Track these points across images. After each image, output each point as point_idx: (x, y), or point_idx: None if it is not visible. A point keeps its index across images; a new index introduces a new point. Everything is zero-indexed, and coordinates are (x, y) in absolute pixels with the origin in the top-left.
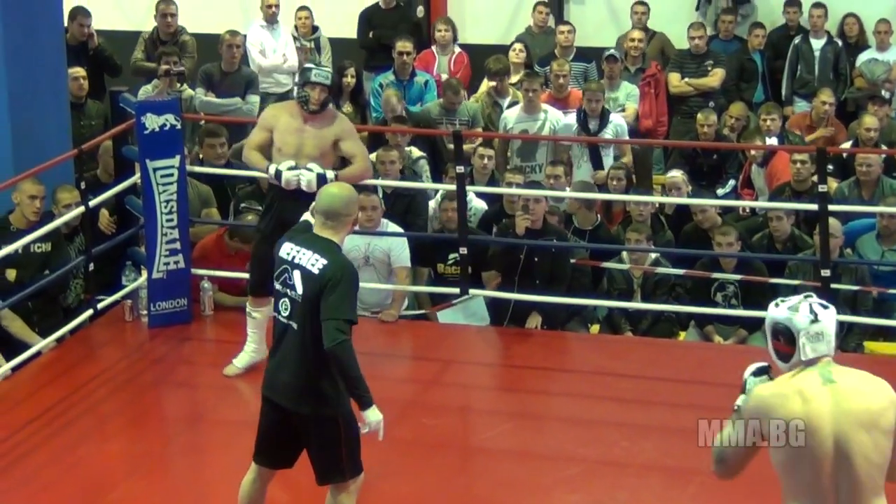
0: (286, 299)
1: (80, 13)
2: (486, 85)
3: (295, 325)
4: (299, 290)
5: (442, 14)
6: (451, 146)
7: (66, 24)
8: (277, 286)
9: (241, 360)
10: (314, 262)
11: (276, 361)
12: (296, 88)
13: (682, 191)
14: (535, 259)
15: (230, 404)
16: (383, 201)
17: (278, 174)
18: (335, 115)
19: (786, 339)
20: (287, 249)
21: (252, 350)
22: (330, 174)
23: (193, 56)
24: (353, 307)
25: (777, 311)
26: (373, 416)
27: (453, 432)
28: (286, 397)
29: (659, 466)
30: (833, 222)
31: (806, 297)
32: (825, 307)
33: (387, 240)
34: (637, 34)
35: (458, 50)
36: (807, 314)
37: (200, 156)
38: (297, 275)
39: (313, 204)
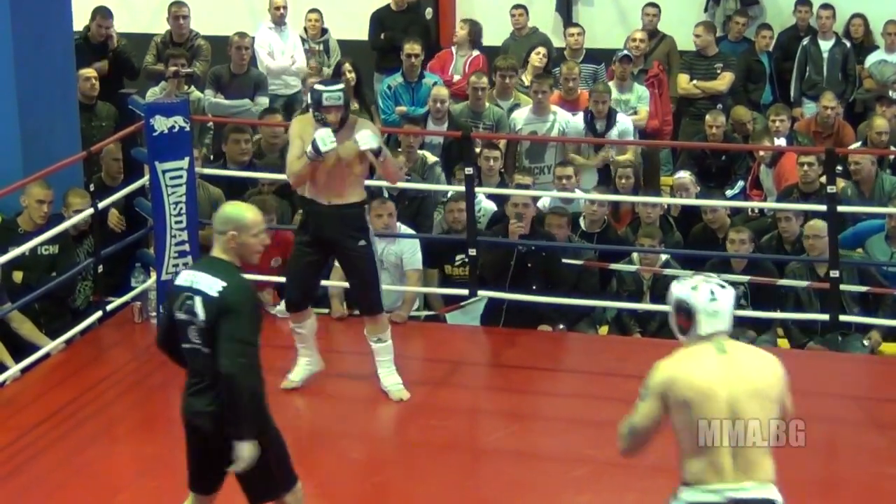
0: (193, 326)
1: (99, 13)
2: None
3: (206, 350)
4: (201, 315)
5: (449, 16)
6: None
7: (87, 23)
8: (181, 315)
9: (297, 374)
10: (213, 284)
11: (192, 387)
12: (311, 109)
13: (690, 191)
14: (529, 265)
15: None
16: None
17: (314, 143)
18: (356, 122)
19: (686, 314)
20: (186, 276)
21: (305, 363)
22: (380, 147)
23: (207, 60)
24: (252, 329)
25: (680, 289)
26: (247, 451)
27: (462, 433)
28: (206, 422)
29: (667, 468)
30: (819, 223)
31: (707, 278)
32: (723, 287)
33: (399, 243)
34: (639, 34)
35: (475, 52)
36: (706, 293)
37: (212, 156)
38: (198, 301)
39: None
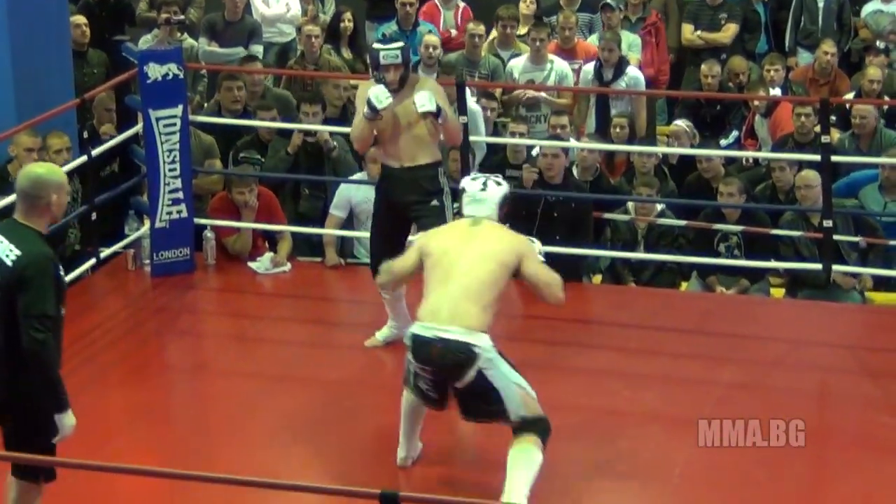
0: None
1: None
2: (490, 36)
3: None
4: None
5: None
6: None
7: None
8: None
9: (382, 334)
10: (8, 252)
11: None
12: (371, 69)
13: (685, 140)
14: (555, 214)
15: (233, 354)
16: None
17: (369, 101)
18: (417, 81)
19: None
20: None
21: (392, 325)
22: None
23: (201, 7)
24: (52, 300)
25: (465, 179)
26: (67, 420)
27: None
28: None
29: (660, 416)
30: (810, 173)
31: (491, 175)
32: (499, 184)
33: None
34: None
35: (461, 4)
36: (479, 184)
37: (205, 103)
38: None
39: None
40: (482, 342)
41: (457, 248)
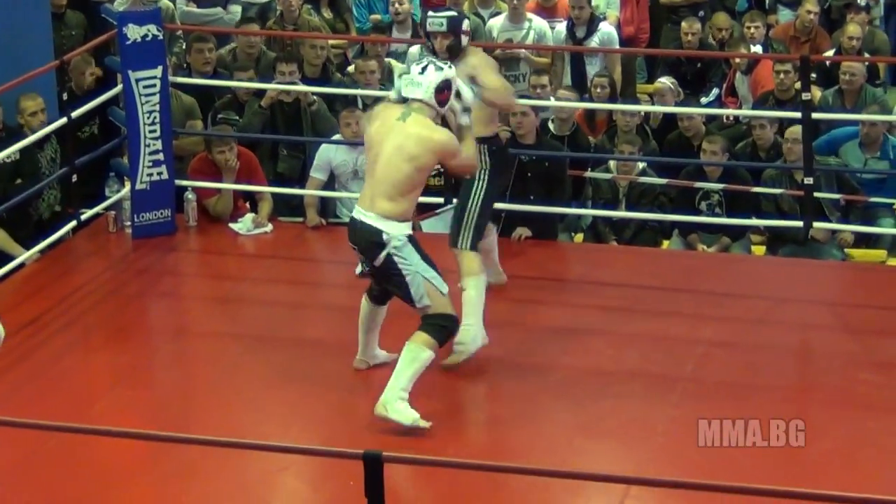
0: None
1: None
2: None
3: None
4: None
5: None
6: None
7: None
8: None
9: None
10: None
11: None
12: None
13: (668, 99)
14: (528, 174)
15: (215, 315)
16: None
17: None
18: (468, 52)
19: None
20: None
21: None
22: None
23: None
24: None
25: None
26: None
27: None
28: None
29: (643, 374)
30: (798, 127)
31: (436, 61)
32: (439, 69)
33: None
34: None
35: None
36: (420, 66)
37: (185, 64)
38: None
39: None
40: (392, 229)
41: (380, 142)
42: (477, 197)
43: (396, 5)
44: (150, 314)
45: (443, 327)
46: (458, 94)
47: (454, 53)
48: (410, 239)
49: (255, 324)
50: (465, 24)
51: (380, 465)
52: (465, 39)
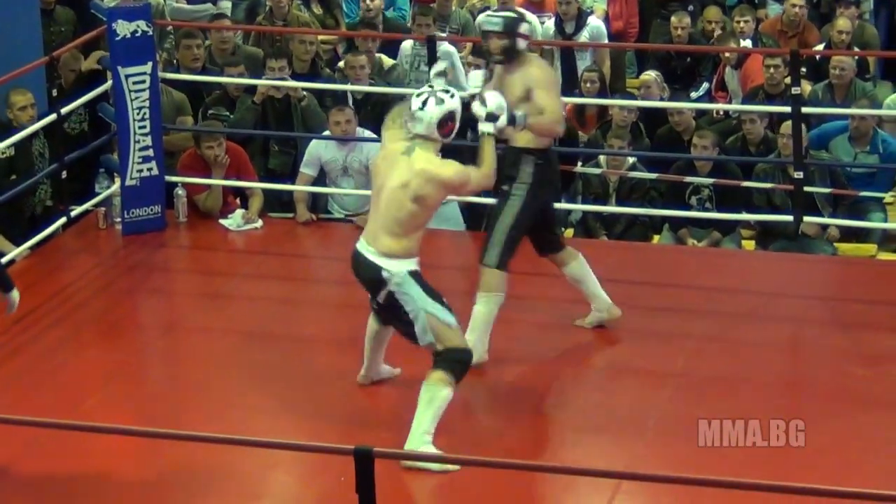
0: None
1: None
2: None
3: None
4: None
5: None
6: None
7: None
8: None
9: (587, 321)
10: None
11: None
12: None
13: (654, 91)
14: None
15: (205, 311)
16: (353, 108)
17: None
18: (526, 62)
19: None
20: None
21: (593, 308)
22: (518, 113)
23: None
24: None
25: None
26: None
27: None
28: None
29: (634, 369)
30: (790, 123)
31: (435, 90)
32: (439, 102)
33: (364, 150)
34: None
35: None
36: (420, 101)
37: (174, 60)
38: None
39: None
40: (392, 267)
41: (385, 174)
42: (511, 211)
43: (367, 2)
44: (141, 310)
45: (457, 361)
46: (483, 101)
47: (509, 56)
48: (413, 274)
49: (245, 320)
50: (524, 27)
51: (371, 461)
52: (521, 43)
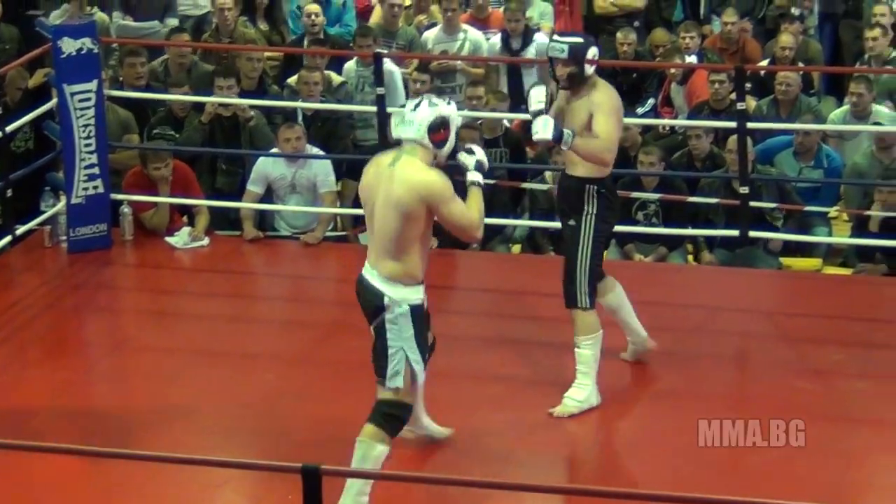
0: None
1: None
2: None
3: None
4: None
5: None
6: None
7: None
8: None
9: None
10: None
11: None
12: None
13: None
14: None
15: (152, 329)
16: (303, 124)
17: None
18: (593, 86)
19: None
20: None
21: (630, 342)
22: (566, 131)
23: None
24: None
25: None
26: None
27: None
28: None
29: None
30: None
31: (432, 97)
32: (433, 105)
33: (312, 167)
34: None
35: None
36: (413, 104)
37: (120, 77)
38: None
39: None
40: (396, 294)
41: (373, 195)
42: (585, 248)
43: (313, 17)
44: (87, 329)
45: (394, 417)
46: (471, 150)
47: (576, 83)
48: (414, 311)
49: (192, 337)
50: (591, 53)
51: (318, 479)
52: (588, 69)
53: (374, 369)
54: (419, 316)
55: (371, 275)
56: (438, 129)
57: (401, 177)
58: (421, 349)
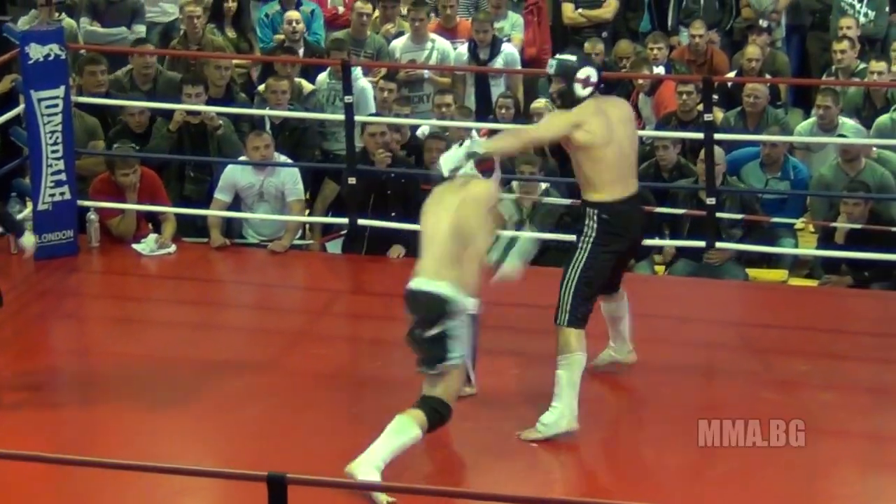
0: None
1: None
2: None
3: None
4: None
5: None
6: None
7: None
8: None
9: (601, 358)
10: None
11: None
12: None
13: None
14: (389, 192)
15: (118, 337)
16: (271, 133)
17: None
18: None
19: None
20: None
21: (610, 347)
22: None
23: None
24: None
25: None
26: None
27: (343, 362)
28: None
29: (548, 394)
30: (716, 150)
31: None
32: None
33: (280, 175)
34: None
35: None
36: (455, 148)
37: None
38: None
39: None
40: (461, 301)
41: (429, 216)
42: (576, 267)
43: (294, 24)
44: (53, 335)
45: (439, 414)
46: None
47: (567, 101)
48: (473, 319)
49: (158, 345)
50: (584, 72)
51: (283, 488)
52: (578, 88)
53: (420, 361)
54: (476, 322)
55: (430, 285)
56: (480, 162)
57: (467, 194)
58: (473, 354)
